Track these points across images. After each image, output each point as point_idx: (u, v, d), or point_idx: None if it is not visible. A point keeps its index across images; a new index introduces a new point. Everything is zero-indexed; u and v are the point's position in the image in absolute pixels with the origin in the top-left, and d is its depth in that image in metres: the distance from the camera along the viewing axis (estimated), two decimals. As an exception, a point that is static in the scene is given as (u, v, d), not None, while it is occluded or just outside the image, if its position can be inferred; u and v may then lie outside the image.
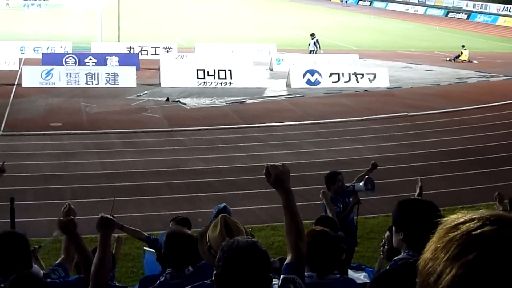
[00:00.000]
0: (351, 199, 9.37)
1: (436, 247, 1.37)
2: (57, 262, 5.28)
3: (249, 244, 3.05)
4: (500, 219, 1.33)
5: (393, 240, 4.06)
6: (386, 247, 5.48)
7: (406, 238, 3.92)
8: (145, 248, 9.82)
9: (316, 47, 36.75)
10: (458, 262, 1.29)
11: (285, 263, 3.45)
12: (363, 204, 10.29)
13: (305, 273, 4.70)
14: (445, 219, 1.43)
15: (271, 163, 3.65)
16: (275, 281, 3.62)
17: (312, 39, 36.80)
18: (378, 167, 10.54)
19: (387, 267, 4.06)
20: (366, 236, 12.28)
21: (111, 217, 4.33)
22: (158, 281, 4.93)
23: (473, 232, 1.32)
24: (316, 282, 4.57)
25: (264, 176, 3.64)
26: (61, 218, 4.45)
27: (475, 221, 1.35)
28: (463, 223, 1.36)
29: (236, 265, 2.96)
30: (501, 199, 8.65)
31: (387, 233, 5.53)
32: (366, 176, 9.54)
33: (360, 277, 7.22)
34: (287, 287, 3.29)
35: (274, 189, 3.69)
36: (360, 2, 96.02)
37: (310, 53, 36.50)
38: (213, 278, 3.08)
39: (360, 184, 9.19)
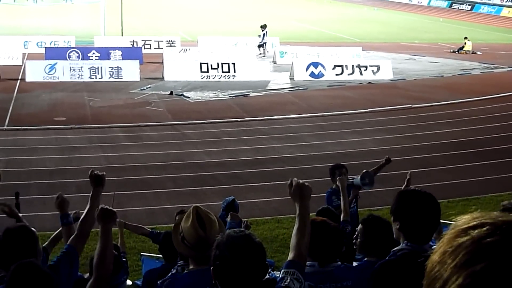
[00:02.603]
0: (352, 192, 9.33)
1: (444, 250, 1.32)
2: (68, 243, 5.20)
3: (243, 238, 3.11)
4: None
5: (393, 230, 4.10)
6: (358, 239, 5.56)
7: (402, 228, 3.99)
8: (142, 253, 9.89)
9: (265, 40, 35.89)
10: (465, 271, 1.25)
11: (287, 260, 3.57)
12: (367, 197, 10.35)
13: (307, 262, 4.78)
14: (457, 219, 1.37)
15: (296, 179, 3.83)
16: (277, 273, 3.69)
17: (263, 30, 35.97)
18: (383, 160, 10.51)
19: (387, 258, 4.11)
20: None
21: (112, 209, 4.36)
22: (170, 273, 4.95)
23: (483, 241, 1.27)
24: (318, 271, 4.66)
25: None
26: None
27: (486, 228, 1.29)
28: (474, 228, 1.31)
29: (233, 261, 3.03)
30: None
31: (360, 226, 5.61)
32: (364, 171, 9.53)
33: None
34: (286, 279, 3.37)
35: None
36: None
37: (259, 46, 35.70)
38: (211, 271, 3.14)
39: (358, 178, 9.16)
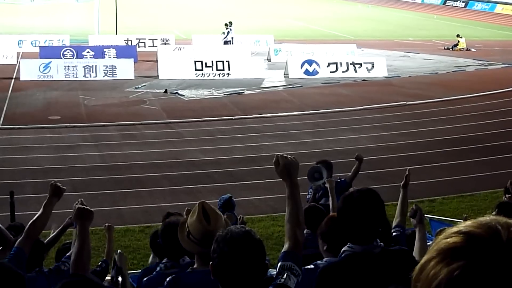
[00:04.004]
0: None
1: (435, 250, 1.37)
2: (67, 254, 5.28)
3: (243, 234, 3.09)
4: (471, 233, 1.34)
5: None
6: None
7: (344, 228, 3.99)
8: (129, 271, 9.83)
9: (229, 37, 35.79)
10: (446, 268, 1.31)
11: (282, 251, 3.48)
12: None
13: (328, 258, 4.76)
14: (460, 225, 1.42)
15: (281, 153, 3.68)
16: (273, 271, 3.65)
17: (227, 28, 35.84)
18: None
19: (337, 259, 4.11)
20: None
21: (88, 208, 4.39)
22: (154, 272, 4.97)
23: (446, 246, 1.34)
24: None
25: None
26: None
27: (454, 236, 1.35)
28: (446, 237, 1.37)
29: (231, 256, 3.01)
30: None
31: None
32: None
33: None
34: (283, 274, 3.32)
35: (276, 180, 3.71)
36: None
37: (225, 43, 35.61)
38: (209, 268, 3.12)
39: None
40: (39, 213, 4.92)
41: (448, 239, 1.35)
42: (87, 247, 4.33)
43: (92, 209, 4.51)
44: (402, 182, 6.82)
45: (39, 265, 5.63)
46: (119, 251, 7.07)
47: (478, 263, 1.28)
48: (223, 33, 36.08)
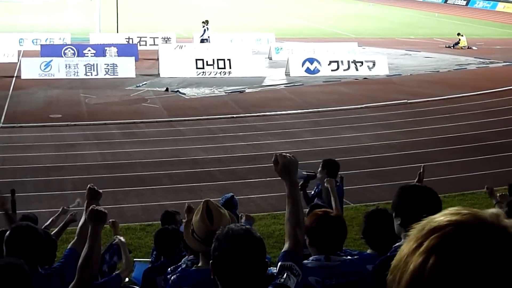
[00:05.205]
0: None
1: (416, 238, 1.41)
2: (68, 247, 5.23)
3: (244, 232, 3.09)
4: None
5: (394, 226, 4.09)
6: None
7: (403, 223, 3.97)
8: (135, 259, 9.85)
9: (206, 35, 35.69)
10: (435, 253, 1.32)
11: (282, 250, 3.48)
12: (363, 192, 10.34)
13: (313, 257, 4.77)
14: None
15: (280, 152, 3.68)
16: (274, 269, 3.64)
17: (203, 26, 35.72)
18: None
19: (388, 254, 4.10)
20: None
21: (103, 209, 4.34)
22: (180, 268, 4.92)
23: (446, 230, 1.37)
24: (324, 265, 4.65)
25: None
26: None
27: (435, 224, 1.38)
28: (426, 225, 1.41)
29: (232, 254, 3.01)
30: (491, 192, 8.67)
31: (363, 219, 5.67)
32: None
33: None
34: (283, 274, 3.31)
35: (278, 178, 3.70)
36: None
37: (201, 42, 35.43)
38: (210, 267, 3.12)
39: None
40: (82, 219, 4.88)
41: (429, 225, 1.36)
42: (97, 250, 4.29)
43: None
44: (416, 180, 6.83)
45: (51, 263, 5.60)
46: (117, 237, 7.07)
47: (461, 252, 1.27)
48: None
